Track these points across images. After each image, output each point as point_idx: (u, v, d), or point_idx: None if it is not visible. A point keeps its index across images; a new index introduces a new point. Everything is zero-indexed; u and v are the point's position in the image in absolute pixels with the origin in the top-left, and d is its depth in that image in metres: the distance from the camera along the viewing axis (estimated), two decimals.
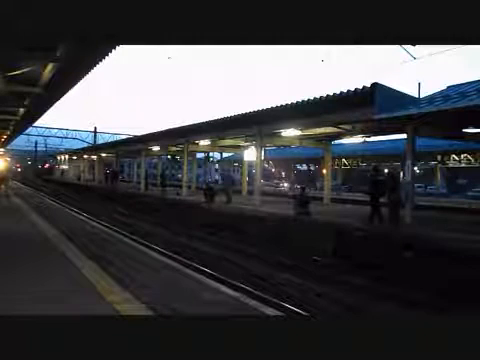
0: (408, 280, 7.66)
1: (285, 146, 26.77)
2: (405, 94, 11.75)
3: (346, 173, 43.11)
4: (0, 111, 16.75)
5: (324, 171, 21.27)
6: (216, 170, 54.40)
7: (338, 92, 12.22)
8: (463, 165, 35.52)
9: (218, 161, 48.52)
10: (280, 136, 17.52)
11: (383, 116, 10.96)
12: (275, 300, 6.80)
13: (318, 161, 35.45)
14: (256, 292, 7.13)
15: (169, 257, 8.48)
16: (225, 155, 42.69)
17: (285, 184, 46.83)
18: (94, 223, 12.78)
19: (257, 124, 16.54)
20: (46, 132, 63.33)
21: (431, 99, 11.51)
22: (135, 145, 32.45)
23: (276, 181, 48.45)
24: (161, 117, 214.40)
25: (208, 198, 18.22)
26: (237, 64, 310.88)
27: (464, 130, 12.68)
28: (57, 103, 16.96)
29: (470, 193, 31.48)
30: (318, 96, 12.92)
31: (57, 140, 65.05)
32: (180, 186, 26.96)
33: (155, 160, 44.99)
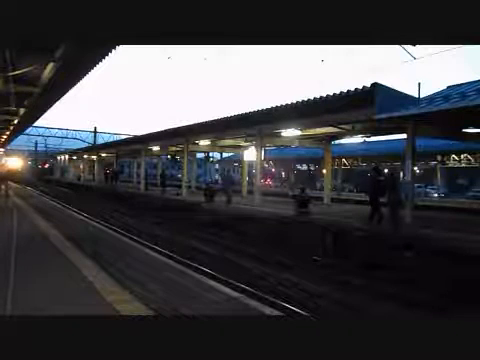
0: (408, 280, 7.66)
1: (285, 146, 26.74)
2: (405, 94, 11.74)
3: (346, 173, 43.08)
4: (0, 111, 16.74)
5: (324, 171, 21.26)
6: (216, 170, 54.32)
7: (338, 92, 12.22)
8: (463, 165, 35.47)
9: (218, 161, 48.42)
10: (280, 136, 17.51)
11: (383, 116, 10.95)
12: (275, 300, 6.79)
13: (318, 161, 35.41)
14: (256, 292, 7.12)
15: (169, 257, 8.47)
16: (225, 155, 42.62)
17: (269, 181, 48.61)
18: (94, 223, 12.78)
19: (257, 124, 16.53)
20: (46, 132, 63.19)
21: (431, 99, 11.50)
22: (135, 145, 32.45)
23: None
24: (161, 117, 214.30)
25: (208, 198, 18.22)
26: (237, 64, 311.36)
27: (464, 130, 12.68)
28: (57, 103, 16.99)
29: (470, 193, 31.48)
30: (318, 96, 12.92)
31: (57, 140, 64.89)
32: (180, 186, 26.94)
33: (155, 160, 44.96)
